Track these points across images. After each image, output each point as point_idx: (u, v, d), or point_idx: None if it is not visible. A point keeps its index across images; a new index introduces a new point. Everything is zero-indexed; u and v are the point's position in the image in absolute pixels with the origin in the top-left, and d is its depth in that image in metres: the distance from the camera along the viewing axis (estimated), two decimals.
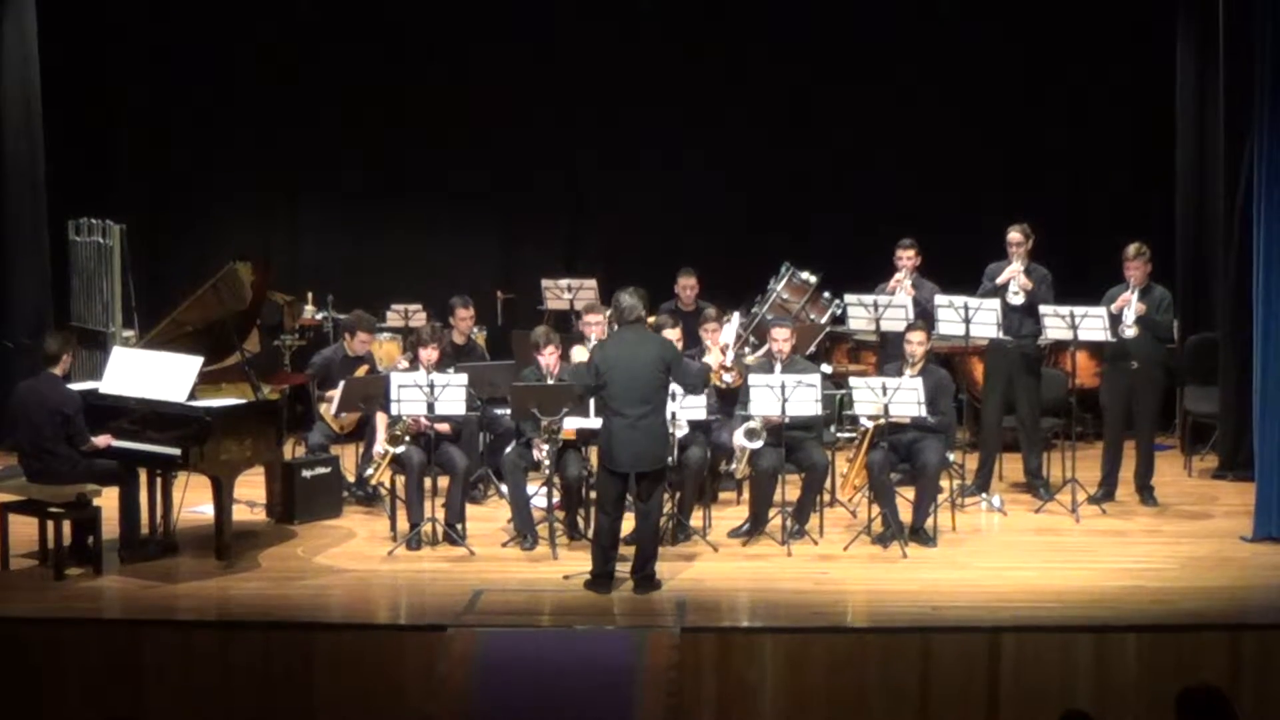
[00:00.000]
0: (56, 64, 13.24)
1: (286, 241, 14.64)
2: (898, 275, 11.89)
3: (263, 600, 9.48)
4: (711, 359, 10.97)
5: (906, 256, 11.91)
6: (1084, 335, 11.00)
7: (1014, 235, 11.41)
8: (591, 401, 10.47)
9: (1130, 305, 11.05)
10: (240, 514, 10.79)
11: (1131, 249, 11.21)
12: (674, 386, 9.99)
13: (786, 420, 10.32)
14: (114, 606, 9.56)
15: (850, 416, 10.93)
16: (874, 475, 10.41)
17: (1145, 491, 11.39)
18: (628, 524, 9.88)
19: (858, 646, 8.88)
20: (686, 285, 12.51)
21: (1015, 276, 11.31)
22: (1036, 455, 11.60)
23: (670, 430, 10.13)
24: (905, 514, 10.48)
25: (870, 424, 10.44)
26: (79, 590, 9.70)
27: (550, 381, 10.54)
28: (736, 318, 11.42)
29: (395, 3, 14.44)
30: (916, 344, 10.67)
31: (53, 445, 9.87)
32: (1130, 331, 11.03)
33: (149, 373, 10.16)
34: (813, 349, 12.43)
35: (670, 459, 10.20)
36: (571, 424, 10.33)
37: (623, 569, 9.69)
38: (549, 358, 10.65)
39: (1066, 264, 12.00)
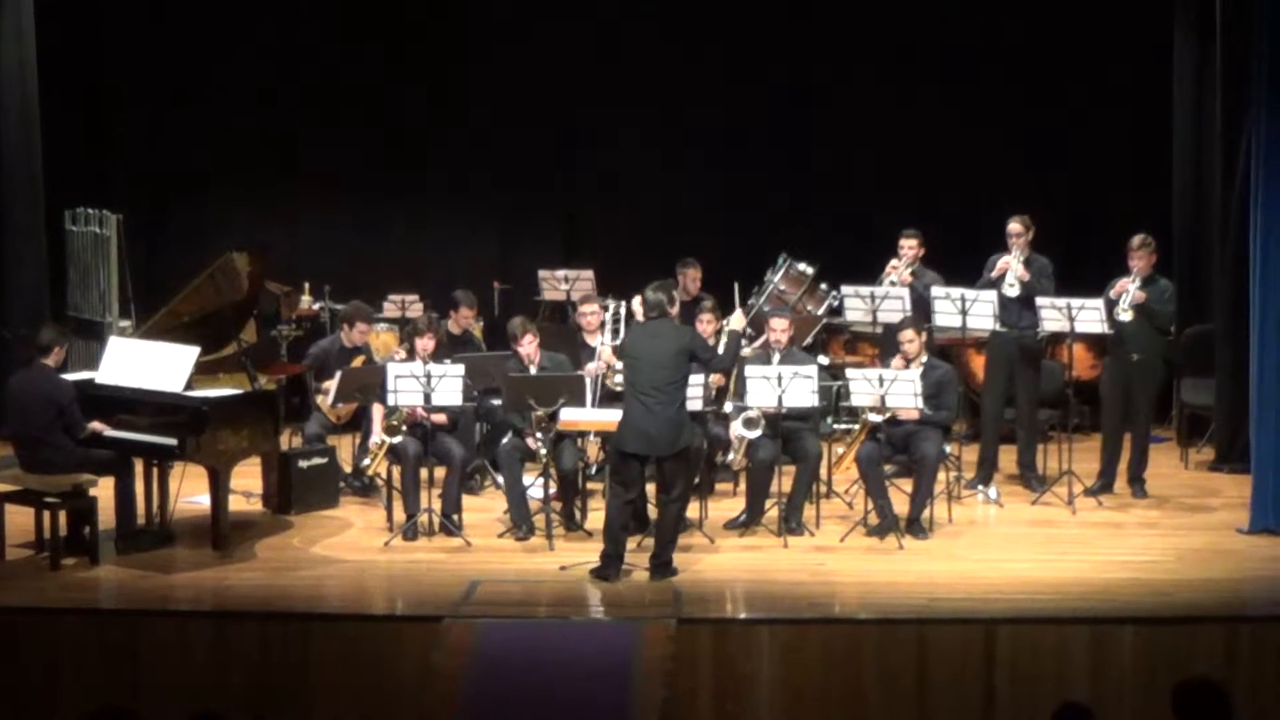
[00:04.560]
0: (55, 53, 13.23)
1: (284, 232, 14.62)
2: (894, 261, 11.86)
3: (259, 590, 9.47)
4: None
5: (909, 246, 11.86)
6: (1081, 327, 10.99)
7: (1014, 226, 11.39)
8: (589, 394, 10.51)
9: (1129, 291, 11.04)
10: (237, 504, 10.80)
11: (1136, 240, 11.20)
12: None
13: (783, 411, 10.33)
14: (110, 596, 9.55)
15: (848, 408, 10.93)
16: (864, 468, 10.42)
17: (1137, 484, 11.39)
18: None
19: (854, 638, 8.88)
20: (693, 277, 12.48)
21: (1008, 269, 11.30)
22: (1032, 448, 11.60)
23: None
24: (901, 506, 10.48)
25: (876, 418, 10.41)
26: (75, 580, 9.69)
27: (532, 371, 10.58)
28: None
29: None
30: (908, 343, 10.66)
31: (47, 435, 9.86)
32: (1125, 315, 11.02)
33: (146, 363, 10.16)
34: (809, 340, 12.43)
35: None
36: (568, 416, 10.32)
37: (633, 559, 9.73)
38: (528, 347, 10.71)
39: (1065, 258, 11.99)
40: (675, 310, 9.85)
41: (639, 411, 9.55)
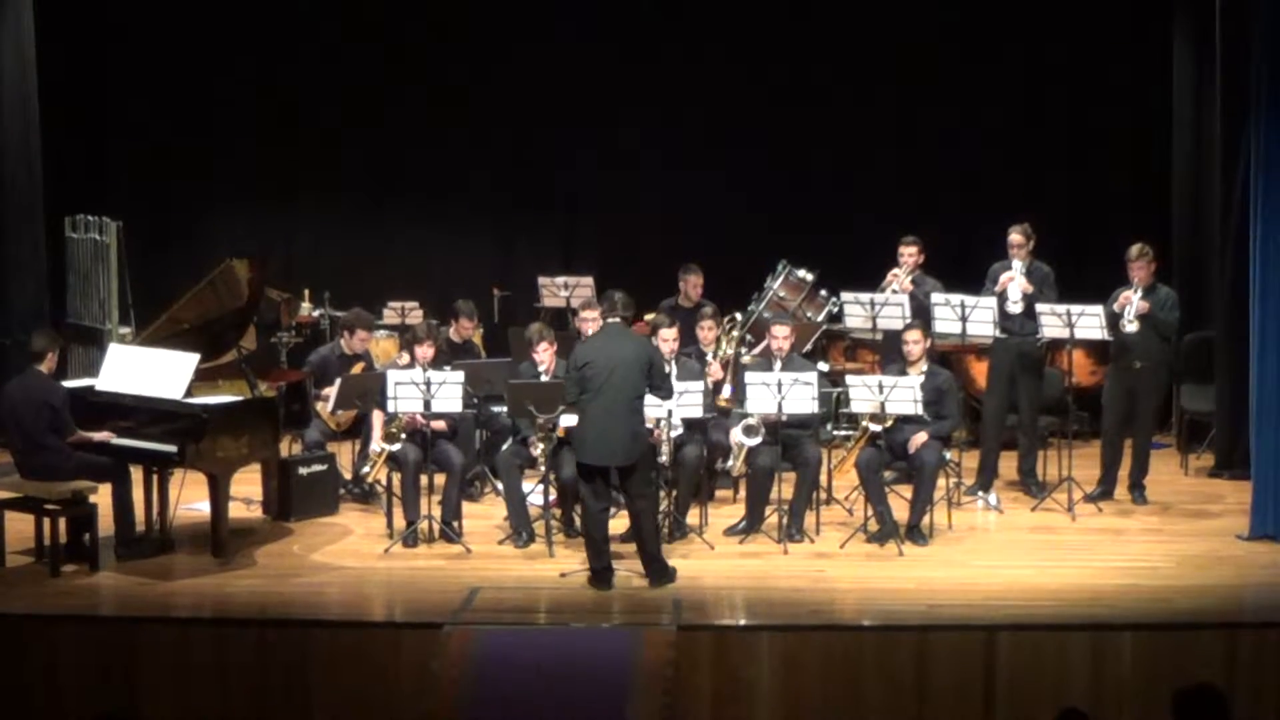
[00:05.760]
0: (56, 60, 13.26)
1: (284, 238, 14.63)
2: (895, 270, 11.86)
3: (259, 597, 9.47)
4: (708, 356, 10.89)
5: (909, 254, 11.84)
6: (1080, 334, 10.99)
7: (1015, 237, 11.39)
8: None
9: (1132, 303, 11.04)
10: (237, 511, 10.80)
11: (1134, 250, 11.19)
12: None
13: (783, 419, 10.32)
14: (110, 603, 9.55)
15: (847, 414, 10.92)
16: (863, 474, 10.42)
17: (1136, 490, 11.39)
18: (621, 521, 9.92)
19: (854, 644, 8.88)
20: (694, 283, 12.45)
21: (1008, 286, 11.28)
22: (1032, 454, 11.60)
23: (665, 429, 10.17)
24: (901, 512, 10.48)
25: (876, 426, 10.39)
26: (75, 587, 9.69)
27: (545, 379, 10.56)
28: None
29: (393, 1, 14.42)
30: (913, 343, 10.66)
31: (43, 439, 9.87)
32: (1131, 326, 11.02)
33: (145, 370, 10.16)
34: (809, 347, 12.43)
35: (664, 457, 10.24)
36: (568, 422, 10.32)
37: (627, 566, 9.71)
38: (543, 355, 10.67)
39: (1064, 263, 11.99)
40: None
41: (601, 419, 9.47)
